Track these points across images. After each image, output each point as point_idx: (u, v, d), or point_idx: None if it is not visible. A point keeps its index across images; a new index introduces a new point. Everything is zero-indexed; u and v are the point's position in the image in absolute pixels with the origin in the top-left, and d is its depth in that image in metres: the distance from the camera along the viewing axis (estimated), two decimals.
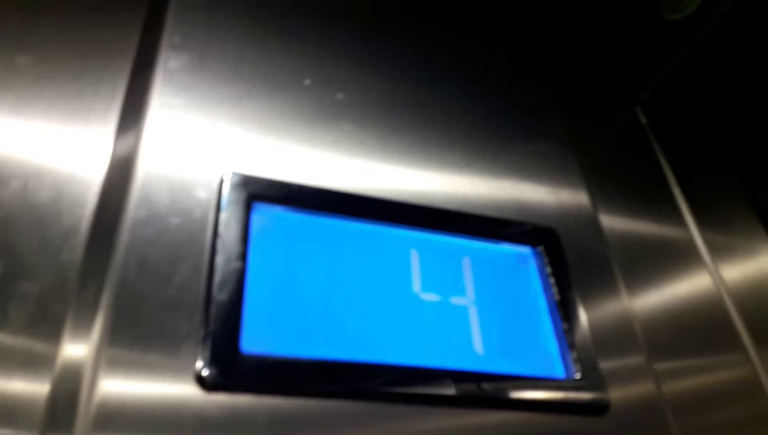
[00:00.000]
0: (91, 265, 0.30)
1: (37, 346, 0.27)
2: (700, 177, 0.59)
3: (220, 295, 0.29)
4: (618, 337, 0.39)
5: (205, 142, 0.35)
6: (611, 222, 0.47)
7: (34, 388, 0.26)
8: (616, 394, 0.35)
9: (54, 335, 0.28)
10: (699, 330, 0.44)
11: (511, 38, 0.55)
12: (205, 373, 0.27)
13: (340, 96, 0.42)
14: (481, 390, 0.32)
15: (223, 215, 0.32)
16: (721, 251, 0.51)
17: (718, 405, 0.41)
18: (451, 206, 0.40)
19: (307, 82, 0.41)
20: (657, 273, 0.46)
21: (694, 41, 0.55)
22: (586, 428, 0.34)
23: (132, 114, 0.36)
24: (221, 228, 0.31)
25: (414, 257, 0.36)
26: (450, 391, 0.31)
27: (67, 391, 0.26)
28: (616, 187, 0.52)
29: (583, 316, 0.38)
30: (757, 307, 0.49)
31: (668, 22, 0.56)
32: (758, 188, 0.60)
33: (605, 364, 0.36)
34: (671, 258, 0.48)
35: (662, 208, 0.53)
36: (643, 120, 0.59)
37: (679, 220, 0.52)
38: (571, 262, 0.40)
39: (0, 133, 0.34)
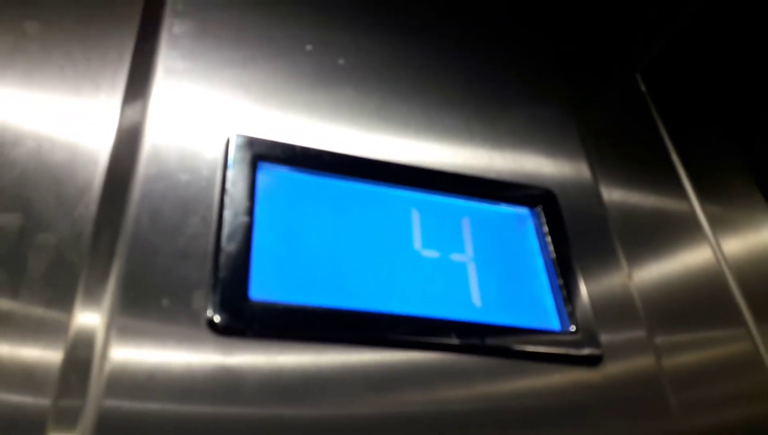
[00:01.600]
0: (105, 218, 0.31)
1: (53, 303, 0.29)
2: (700, 147, 0.58)
3: (229, 246, 0.30)
4: (616, 303, 0.39)
5: (210, 104, 0.37)
6: (610, 191, 0.47)
7: (49, 354, 0.27)
8: (614, 361, 0.36)
9: (70, 287, 0.29)
10: (699, 303, 0.44)
11: (512, 4, 0.55)
12: (216, 317, 0.28)
13: (341, 61, 0.43)
14: (479, 339, 0.33)
15: (230, 173, 0.33)
16: (721, 223, 0.51)
17: (717, 379, 0.41)
18: (450, 169, 0.41)
19: (308, 47, 0.42)
20: (657, 244, 0.46)
21: (693, 8, 0.56)
22: (581, 382, 0.35)
23: (139, 78, 0.37)
24: (229, 185, 0.33)
25: (415, 216, 0.37)
26: (448, 339, 0.33)
27: (82, 355, 0.27)
28: (615, 155, 0.51)
29: (579, 275, 0.39)
30: (758, 281, 0.48)
31: None
32: (759, 159, 0.60)
33: (603, 330, 0.37)
34: (671, 229, 0.48)
35: (662, 178, 0.52)
36: (643, 87, 0.60)
37: (679, 191, 0.52)
38: (569, 226, 0.41)
39: (13, 97, 0.35)
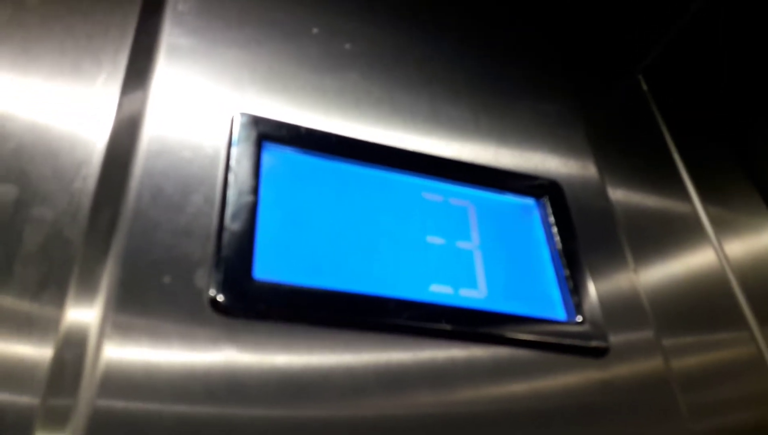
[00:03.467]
0: (105, 194, 0.30)
1: (51, 273, 0.27)
2: (702, 148, 0.58)
3: (233, 225, 0.29)
4: (625, 304, 0.39)
5: (214, 83, 0.36)
6: (613, 189, 0.47)
7: (38, 351, 0.26)
8: (622, 366, 0.35)
9: (67, 262, 0.28)
10: (703, 306, 0.44)
11: (518, 3, 0.55)
12: (219, 297, 0.27)
13: (347, 46, 0.42)
14: (483, 327, 0.33)
15: (235, 152, 0.32)
16: (723, 226, 0.51)
17: (723, 381, 0.41)
18: (457, 158, 0.40)
19: (314, 30, 0.41)
20: (660, 244, 0.46)
21: (694, 9, 0.56)
22: (588, 375, 0.35)
23: (143, 54, 0.36)
24: (233, 163, 0.32)
25: (421, 202, 0.37)
26: (452, 326, 0.32)
27: (77, 344, 0.26)
28: (618, 154, 0.51)
29: (584, 266, 0.38)
30: (761, 285, 0.49)
31: None
32: (759, 162, 0.60)
33: (613, 335, 0.36)
34: (674, 229, 0.48)
35: (664, 178, 0.52)
36: (645, 87, 0.60)
37: (682, 192, 0.52)
38: (575, 220, 0.41)
39: (10, 70, 0.34)
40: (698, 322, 0.43)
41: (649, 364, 0.37)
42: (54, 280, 0.27)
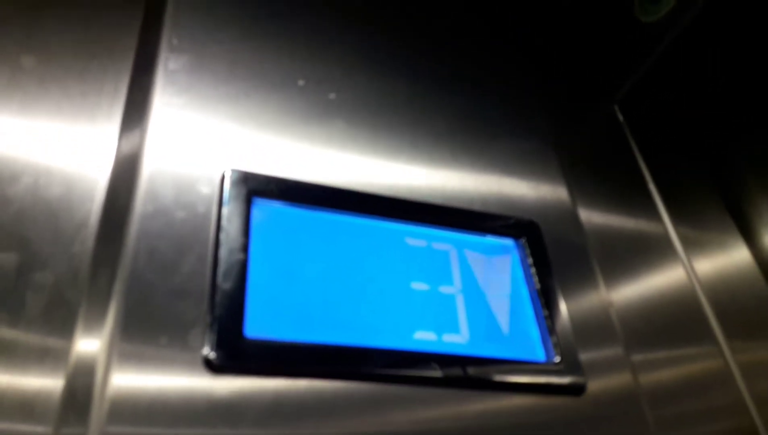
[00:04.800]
0: (103, 255, 0.31)
1: (52, 335, 0.29)
2: (675, 173, 0.61)
3: (225, 284, 0.31)
4: (596, 326, 0.41)
5: (206, 139, 0.37)
6: (589, 215, 0.50)
7: (49, 383, 0.28)
8: (594, 383, 0.38)
9: (68, 323, 0.30)
10: (673, 322, 0.46)
11: (495, 41, 0.57)
12: (212, 356, 0.29)
13: (332, 96, 0.44)
14: (467, 372, 0.34)
15: (225, 210, 0.34)
16: (694, 245, 0.53)
17: (690, 395, 0.43)
18: (438, 200, 0.42)
19: (300, 82, 0.43)
20: (633, 266, 0.48)
21: (668, 42, 0.58)
22: (565, 409, 0.37)
23: (135, 113, 0.38)
24: (224, 222, 0.33)
25: (405, 249, 0.39)
26: (437, 373, 0.34)
27: (83, 383, 0.28)
28: (594, 182, 0.54)
29: (562, 304, 0.40)
30: (729, 301, 0.51)
31: (643, 24, 0.59)
32: (729, 184, 0.63)
33: (584, 353, 0.39)
34: (647, 251, 0.51)
35: (638, 202, 0.55)
36: (620, 117, 0.62)
37: (654, 215, 0.55)
38: (551, 253, 0.43)
39: (9, 131, 0.35)
40: (667, 338, 0.45)
41: (620, 383, 0.39)
42: (54, 353, 0.28)
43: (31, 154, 0.35)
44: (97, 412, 0.26)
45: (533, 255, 0.42)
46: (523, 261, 0.42)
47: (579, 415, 0.37)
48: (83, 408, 0.27)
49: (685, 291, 0.50)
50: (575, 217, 0.48)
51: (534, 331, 0.39)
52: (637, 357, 0.42)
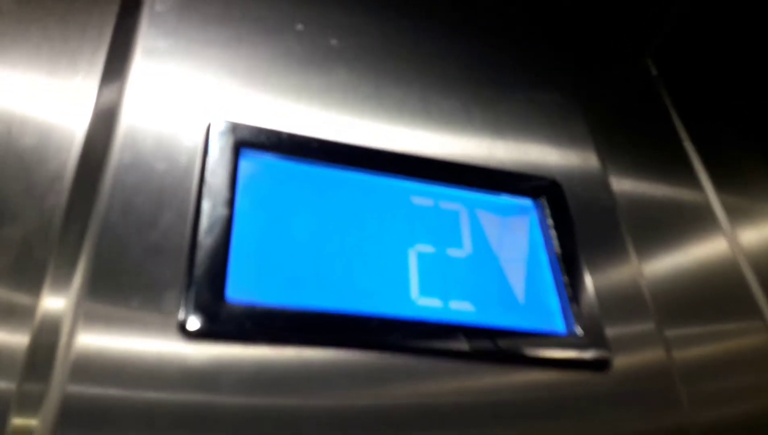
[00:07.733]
0: (76, 210, 0.29)
1: (20, 294, 0.27)
2: (716, 134, 0.56)
3: (206, 241, 0.28)
4: (625, 298, 0.38)
5: (191, 88, 0.34)
6: (619, 181, 0.45)
7: (14, 338, 0.26)
8: (622, 358, 0.34)
9: (36, 279, 0.27)
10: (712, 295, 0.43)
11: None
12: (189, 321, 0.26)
13: (333, 41, 0.40)
14: (475, 344, 0.31)
15: (210, 161, 0.31)
16: (738, 214, 0.49)
17: (731, 372, 0.40)
18: (449, 158, 0.38)
19: (299, 26, 0.40)
20: (669, 236, 0.44)
21: None
22: (589, 385, 0.33)
23: (118, 58, 0.35)
24: (208, 174, 0.30)
25: (409, 208, 0.35)
26: (440, 344, 0.30)
27: (47, 341, 0.26)
28: (625, 144, 0.49)
29: (586, 272, 0.37)
30: None
31: None
32: None
33: (611, 327, 0.35)
34: (684, 221, 0.46)
35: (674, 167, 0.50)
36: (654, 71, 0.57)
37: (693, 181, 0.50)
38: (575, 216, 0.39)
39: None
40: (707, 313, 0.42)
41: (652, 358, 0.36)
42: (20, 310, 0.26)
43: (4, 100, 0.32)
44: (60, 370, 0.25)
45: (554, 217, 0.38)
46: (542, 223, 0.38)
47: (604, 392, 0.33)
48: (46, 366, 0.25)
49: (728, 264, 0.46)
50: (603, 178, 0.43)
51: (553, 301, 0.35)
52: (672, 332, 0.39)
